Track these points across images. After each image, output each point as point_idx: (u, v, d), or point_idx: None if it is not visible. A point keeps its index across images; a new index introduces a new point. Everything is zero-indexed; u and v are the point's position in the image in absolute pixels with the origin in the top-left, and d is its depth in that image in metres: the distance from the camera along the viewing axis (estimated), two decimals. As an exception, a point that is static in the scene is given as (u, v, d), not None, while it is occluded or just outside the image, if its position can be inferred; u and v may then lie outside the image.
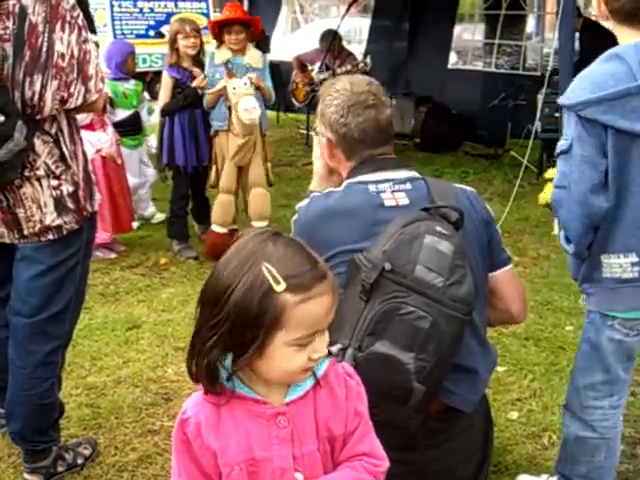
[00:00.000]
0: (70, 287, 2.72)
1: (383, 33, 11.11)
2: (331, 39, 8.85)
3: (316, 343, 1.45)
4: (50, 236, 2.59)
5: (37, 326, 2.68)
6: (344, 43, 9.81)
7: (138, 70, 7.21)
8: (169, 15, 7.18)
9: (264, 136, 5.61)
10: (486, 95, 9.47)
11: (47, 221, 2.56)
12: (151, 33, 7.15)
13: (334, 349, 1.90)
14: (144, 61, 6.87)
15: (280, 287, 1.38)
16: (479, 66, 11.25)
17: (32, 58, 2.34)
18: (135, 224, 6.19)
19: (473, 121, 9.50)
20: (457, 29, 11.62)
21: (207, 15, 7.60)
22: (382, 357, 1.90)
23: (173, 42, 5.47)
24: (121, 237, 5.94)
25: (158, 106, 5.62)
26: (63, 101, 2.44)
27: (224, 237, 5.36)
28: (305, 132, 9.95)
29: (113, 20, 7.12)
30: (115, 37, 6.98)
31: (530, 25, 12.35)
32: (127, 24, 7.19)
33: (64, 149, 2.57)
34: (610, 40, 2.35)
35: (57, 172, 2.55)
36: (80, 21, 2.44)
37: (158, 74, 6.26)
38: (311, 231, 2.16)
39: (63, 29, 2.38)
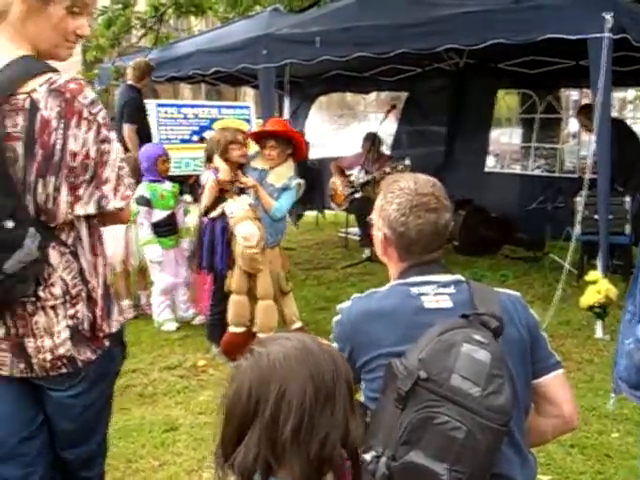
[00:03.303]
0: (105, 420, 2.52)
1: (420, 137, 11.28)
2: (371, 142, 9.01)
3: None
4: (63, 370, 2.26)
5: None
6: (383, 148, 9.98)
7: (182, 173, 7.39)
8: (212, 120, 7.38)
9: (276, 246, 5.61)
10: (524, 198, 9.49)
11: (60, 351, 2.24)
12: (195, 138, 7.37)
13: (368, 457, 1.87)
14: (187, 165, 7.06)
15: None
16: (516, 169, 11.34)
17: (45, 158, 2.10)
18: (175, 325, 6.27)
19: (512, 224, 9.50)
20: (494, 133, 11.78)
21: (249, 121, 7.79)
22: (415, 467, 1.86)
23: (224, 151, 5.39)
24: (159, 337, 5.98)
25: (200, 208, 5.62)
26: (71, 205, 2.18)
27: (240, 337, 5.26)
28: (344, 235, 10.01)
29: (159, 125, 7.35)
30: (160, 142, 7.17)
31: (573, 126, 12.46)
32: (172, 129, 7.41)
33: (83, 262, 2.27)
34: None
35: (74, 293, 2.24)
36: (100, 118, 2.18)
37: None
38: (352, 333, 2.16)
39: (79, 125, 2.14)
